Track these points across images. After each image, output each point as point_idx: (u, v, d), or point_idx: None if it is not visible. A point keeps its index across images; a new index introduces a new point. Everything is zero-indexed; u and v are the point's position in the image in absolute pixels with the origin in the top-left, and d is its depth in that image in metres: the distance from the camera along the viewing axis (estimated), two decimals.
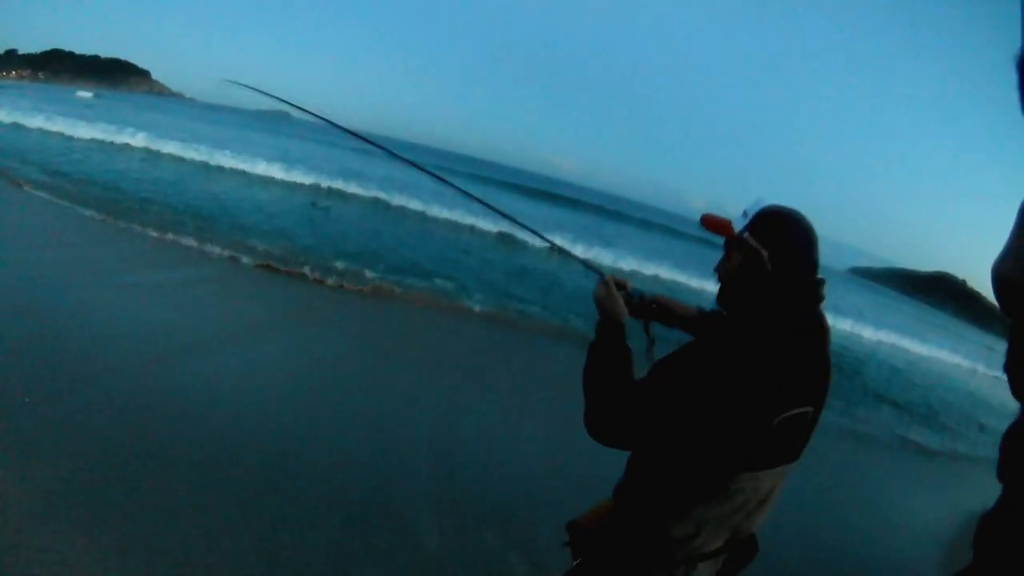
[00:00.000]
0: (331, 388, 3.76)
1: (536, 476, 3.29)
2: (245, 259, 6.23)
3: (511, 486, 3.13)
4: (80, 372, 3.17)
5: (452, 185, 1.68)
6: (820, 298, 1.09)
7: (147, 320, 4.13)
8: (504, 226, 12.08)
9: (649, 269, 13.89)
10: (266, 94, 1.97)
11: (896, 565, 3.46)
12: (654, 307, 1.41)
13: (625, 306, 1.26)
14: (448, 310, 6.36)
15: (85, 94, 48.34)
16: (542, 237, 1.67)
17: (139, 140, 14.43)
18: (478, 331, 5.93)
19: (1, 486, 2.21)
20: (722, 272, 1.18)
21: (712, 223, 1.18)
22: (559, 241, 1.66)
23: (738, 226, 1.14)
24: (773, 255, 1.08)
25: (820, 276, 1.11)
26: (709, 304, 1.43)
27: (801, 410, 1.04)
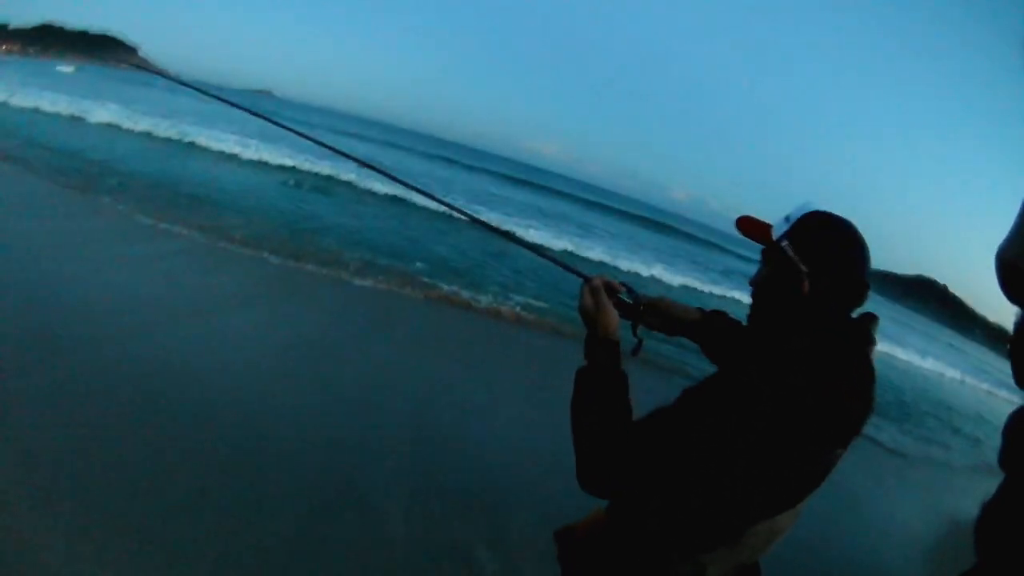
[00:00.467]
0: (303, 368, 3.66)
1: (514, 465, 3.22)
2: (205, 237, 6.03)
3: (486, 476, 3.06)
4: (54, 343, 3.12)
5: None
6: (870, 340, 0.91)
7: (120, 293, 4.04)
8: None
9: (637, 266, 13.56)
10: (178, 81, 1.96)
11: (862, 564, 3.45)
12: (643, 308, 1.21)
13: (618, 315, 1.07)
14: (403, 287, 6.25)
15: (66, 68, 47.82)
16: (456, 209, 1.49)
17: (102, 115, 13.98)
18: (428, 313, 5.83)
19: None
20: (755, 285, 1.02)
21: (748, 226, 1.04)
22: (534, 237, 1.54)
23: (778, 232, 0.98)
24: (815, 273, 0.91)
25: (870, 311, 0.94)
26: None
27: (836, 452, 0.89)
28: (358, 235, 8.12)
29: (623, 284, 1.16)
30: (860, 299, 0.93)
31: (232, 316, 4.15)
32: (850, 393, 0.86)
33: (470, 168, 33.65)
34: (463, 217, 1.51)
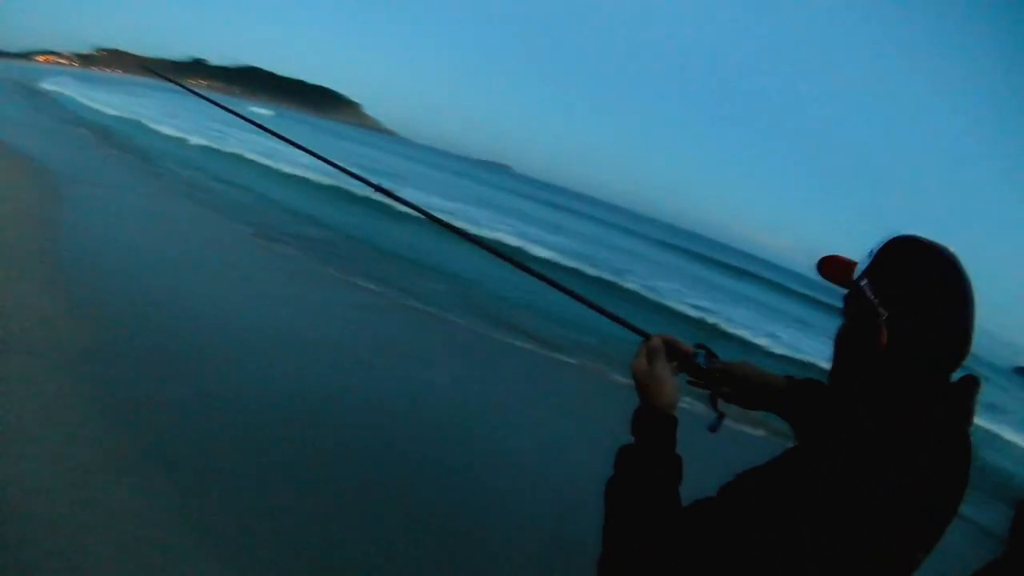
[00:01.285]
0: (485, 430, 4.01)
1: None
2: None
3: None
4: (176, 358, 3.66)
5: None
6: (970, 410, 0.70)
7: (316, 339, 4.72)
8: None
9: None
10: (188, 89, 1.55)
11: None
12: (718, 375, 0.96)
13: (677, 382, 0.88)
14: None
15: (263, 111, 51.22)
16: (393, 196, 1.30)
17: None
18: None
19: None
20: (835, 340, 0.81)
21: (830, 268, 0.84)
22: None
23: (860, 270, 0.77)
24: (896, 317, 0.70)
25: (972, 373, 0.72)
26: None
27: (911, 558, 0.69)
28: (559, 314, 7.70)
29: (701, 346, 0.96)
30: (960, 355, 0.69)
31: (412, 368, 4.66)
32: (936, 490, 0.67)
33: (696, 256, 33.47)
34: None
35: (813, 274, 0.86)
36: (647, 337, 0.92)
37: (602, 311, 1.05)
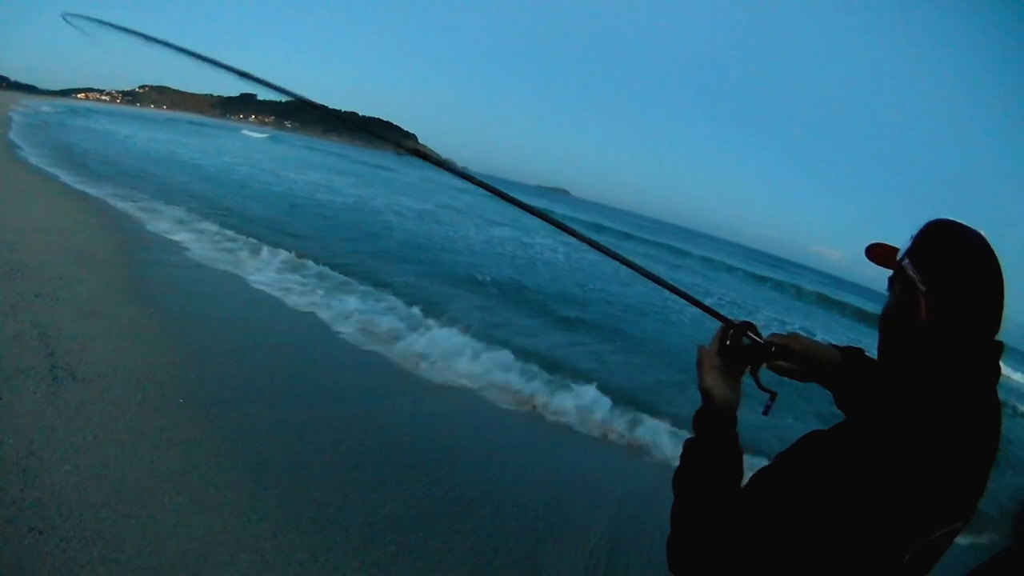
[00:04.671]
0: None
1: None
2: None
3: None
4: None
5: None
6: (997, 372, 0.78)
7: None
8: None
9: None
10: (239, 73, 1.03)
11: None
12: (774, 350, 0.94)
13: (737, 378, 0.91)
14: None
15: (257, 134, 53.78)
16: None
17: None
18: None
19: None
20: (881, 318, 0.88)
21: (876, 253, 0.91)
22: None
23: (903, 253, 0.85)
24: (933, 294, 0.77)
25: (999, 339, 0.78)
26: None
27: (951, 528, 0.74)
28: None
29: (746, 324, 0.95)
30: (993, 323, 0.77)
31: None
32: (972, 454, 0.73)
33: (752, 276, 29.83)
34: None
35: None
36: (729, 322, 0.94)
37: (686, 296, 1.03)
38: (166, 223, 7.91)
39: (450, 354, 5.05)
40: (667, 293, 1.04)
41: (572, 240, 1.02)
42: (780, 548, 0.69)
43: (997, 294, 0.76)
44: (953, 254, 0.78)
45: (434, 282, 8.41)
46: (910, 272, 0.81)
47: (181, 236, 7.31)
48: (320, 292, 6.18)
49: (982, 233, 0.78)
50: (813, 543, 0.68)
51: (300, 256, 7.58)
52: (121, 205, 8.46)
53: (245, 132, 58.62)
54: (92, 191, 9.07)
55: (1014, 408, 8.68)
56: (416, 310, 6.25)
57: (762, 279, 28.73)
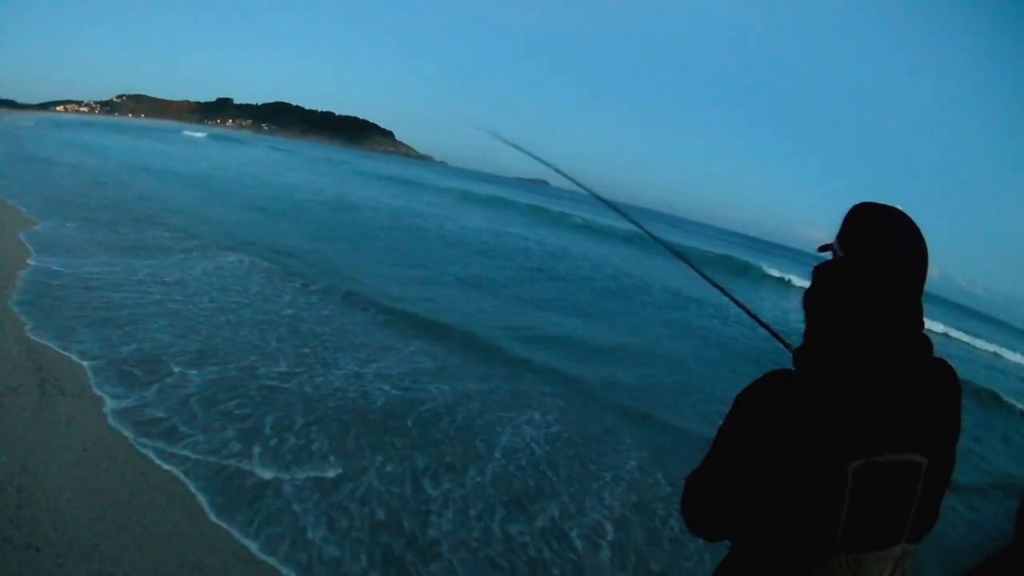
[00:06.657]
0: None
1: None
2: None
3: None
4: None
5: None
6: (918, 325, 0.85)
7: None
8: None
9: None
10: (524, 151, 1.95)
11: None
12: None
13: None
14: None
15: (197, 134, 54.42)
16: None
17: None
18: None
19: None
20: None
21: (823, 248, 0.98)
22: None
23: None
24: (849, 260, 0.86)
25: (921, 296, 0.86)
26: None
27: (897, 457, 0.80)
28: None
29: None
30: (909, 275, 0.84)
31: None
32: (895, 388, 0.81)
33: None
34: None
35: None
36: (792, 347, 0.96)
37: (757, 318, 1.18)
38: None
39: None
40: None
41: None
42: (717, 475, 0.87)
43: (910, 261, 0.85)
44: (863, 221, 0.88)
45: None
46: (834, 246, 0.91)
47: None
48: None
49: (899, 208, 0.88)
50: (738, 461, 0.84)
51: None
52: None
53: (186, 133, 55.76)
54: None
55: (1012, 408, 9.19)
56: None
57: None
